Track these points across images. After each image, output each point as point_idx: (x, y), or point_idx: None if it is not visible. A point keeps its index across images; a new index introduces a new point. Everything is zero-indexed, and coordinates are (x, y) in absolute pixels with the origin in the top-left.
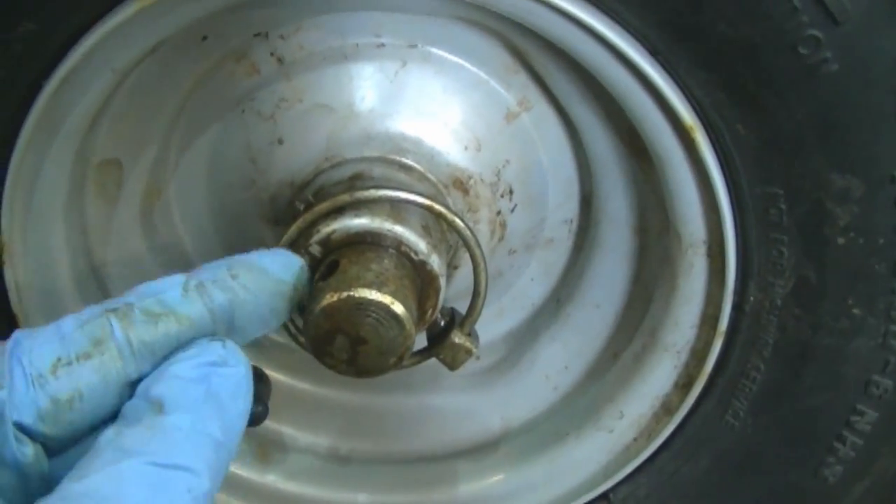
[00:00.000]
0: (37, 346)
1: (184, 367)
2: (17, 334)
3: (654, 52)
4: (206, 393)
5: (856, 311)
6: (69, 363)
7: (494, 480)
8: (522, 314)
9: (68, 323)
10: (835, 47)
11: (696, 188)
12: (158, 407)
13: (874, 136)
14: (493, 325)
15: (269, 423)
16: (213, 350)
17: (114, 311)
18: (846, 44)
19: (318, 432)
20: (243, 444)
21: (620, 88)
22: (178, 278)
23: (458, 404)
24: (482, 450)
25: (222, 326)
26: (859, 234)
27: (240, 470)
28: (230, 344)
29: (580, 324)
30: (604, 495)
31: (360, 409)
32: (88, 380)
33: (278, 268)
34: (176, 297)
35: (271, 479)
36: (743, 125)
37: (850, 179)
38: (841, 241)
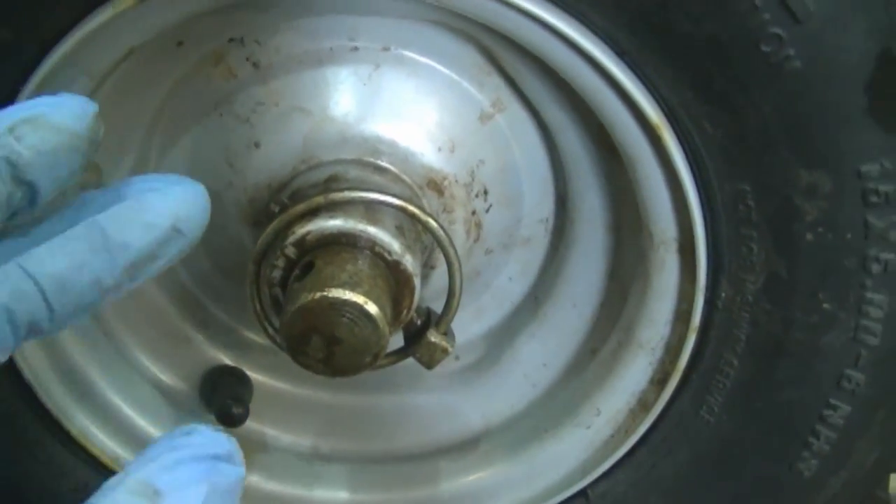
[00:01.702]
0: None
1: (187, 456)
2: None
3: (620, 53)
4: (209, 491)
5: (826, 305)
6: None
7: (475, 478)
8: (501, 313)
9: None
10: (797, 45)
11: (666, 186)
12: (156, 496)
13: (840, 132)
14: (472, 324)
15: (250, 424)
16: (219, 443)
17: None
18: (809, 41)
19: (298, 432)
20: None
21: (589, 89)
22: None
23: (438, 403)
24: (463, 448)
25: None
26: (828, 229)
27: None
28: (232, 439)
29: (558, 322)
30: (582, 492)
31: (340, 408)
32: None
33: (70, 119)
34: None
35: (254, 479)
36: (710, 123)
37: (818, 175)
38: (810, 236)
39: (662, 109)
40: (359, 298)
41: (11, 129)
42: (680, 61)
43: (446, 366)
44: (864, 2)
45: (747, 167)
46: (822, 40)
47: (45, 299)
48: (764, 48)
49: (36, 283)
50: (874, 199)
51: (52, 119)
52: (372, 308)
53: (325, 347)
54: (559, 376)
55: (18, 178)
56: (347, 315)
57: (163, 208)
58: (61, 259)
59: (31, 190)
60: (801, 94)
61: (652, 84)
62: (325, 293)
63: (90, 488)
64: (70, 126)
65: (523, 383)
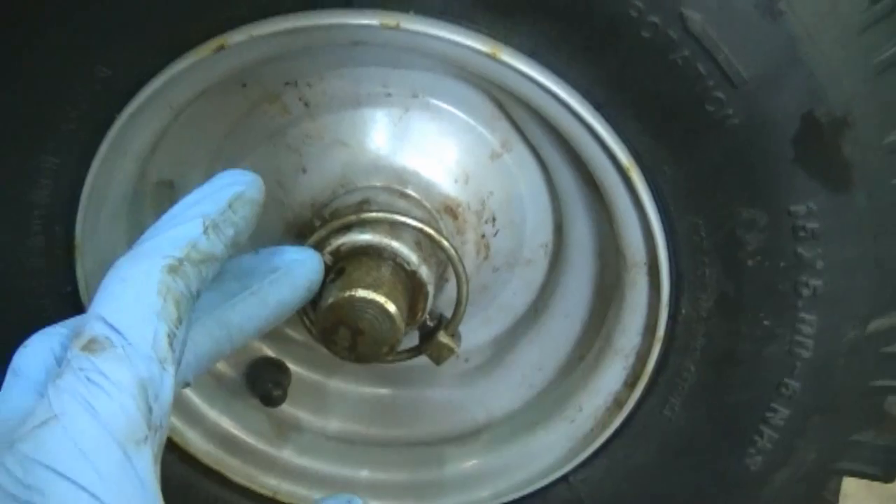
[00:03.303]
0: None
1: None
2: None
3: (597, 107)
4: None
5: (766, 322)
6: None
7: (475, 463)
8: (505, 323)
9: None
10: (735, 105)
11: (636, 217)
12: None
13: (773, 177)
14: (480, 332)
15: (287, 407)
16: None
17: (174, 271)
18: (744, 103)
19: (328, 417)
20: (264, 422)
21: (573, 135)
22: (196, 223)
23: (448, 398)
24: (467, 437)
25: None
26: (765, 258)
27: (259, 444)
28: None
29: (553, 331)
30: (564, 477)
31: (365, 398)
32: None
33: (256, 191)
34: (204, 241)
35: (286, 453)
36: (669, 166)
37: (756, 212)
38: (751, 263)
39: (631, 154)
40: (380, 298)
41: (231, 205)
42: (644, 115)
43: (457, 366)
44: (789, 72)
45: (699, 203)
46: (755, 102)
47: (231, 342)
48: (709, 107)
49: (228, 332)
50: (802, 233)
51: (248, 194)
52: (391, 307)
53: (351, 338)
54: (551, 378)
55: (235, 242)
56: (370, 312)
57: (303, 276)
58: (243, 314)
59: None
60: (740, 145)
61: (622, 133)
62: (353, 293)
63: None
64: (258, 198)
65: (521, 383)
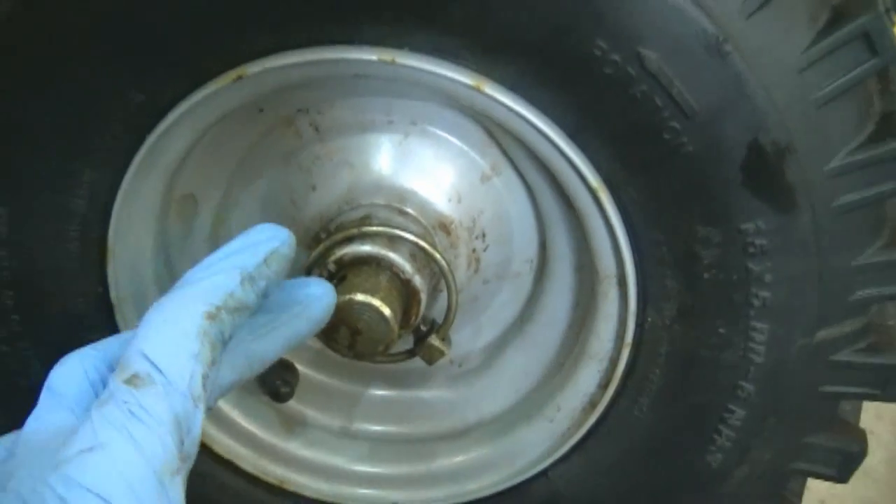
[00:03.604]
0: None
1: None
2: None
3: (571, 135)
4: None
5: (722, 330)
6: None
7: (464, 458)
8: (495, 332)
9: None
10: (688, 134)
11: (606, 234)
12: None
13: (724, 198)
14: (472, 340)
15: (294, 404)
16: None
17: (212, 318)
18: (697, 132)
19: (332, 414)
20: (273, 417)
21: (549, 160)
22: (235, 274)
23: (442, 399)
24: (457, 435)
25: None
26: (719, 271)
27: (268, 436)
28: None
29: (537, 339)
30: (544, 471)
31: (366, 398)
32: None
33: (288, 247)
34: (240, 291)
35: (293, 445)
36: (633, 189)
37: (710, 230)
38: (707, 276)
39: (601, 177)
40: (376, 302)
41: (266, 260)
42: (611, 142)
43: (450, 371)
44: (736, 105)
45: (661, 222)
46: (706, 132)
47: (251, 371)
48: (666, 136)
49: (250, 363)
50: (752, 249)
51: (282, 251)
52: (386, 310)
53: (350, 337)
54: (535, 381)
55: (266, 293)
56: (367, 314)
57: (320, 310)
58: (265, 346)
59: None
60: (694, 170)
61: (592, 158)
62: (353, 296)
63: None
64: (290, 254)
65: (508, 387)
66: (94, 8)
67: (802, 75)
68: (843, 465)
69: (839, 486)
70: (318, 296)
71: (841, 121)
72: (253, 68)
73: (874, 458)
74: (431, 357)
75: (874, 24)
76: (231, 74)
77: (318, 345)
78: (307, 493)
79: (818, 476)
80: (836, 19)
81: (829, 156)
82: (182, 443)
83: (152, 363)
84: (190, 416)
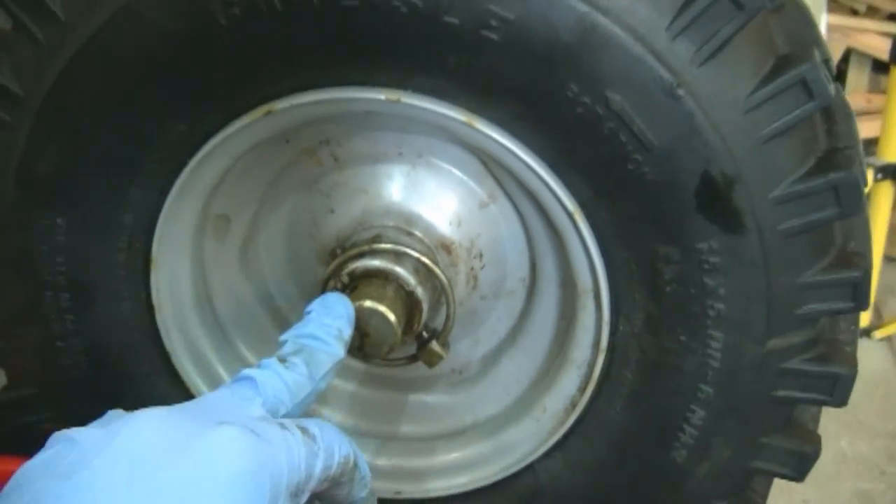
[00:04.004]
0: None
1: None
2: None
3: (551, 165)
4: None
5: (683, 338)
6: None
7: (459, 454)
8: (491, 343)
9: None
10: (649, 165)
11: (583, 253)
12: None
13: (681, 220)
14: (471, 351)
15: (312, 405)
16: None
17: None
18: (657, 163)
19: (343, 413)
20: None
21: (533, 187)
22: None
23: (443, 403)
24: (456, 434)
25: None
26: (679, 285)
27: None
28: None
29: (528, 349)
30: (530, 466)
31: (375, 400)
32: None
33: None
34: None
35: None
36: (604, 212)
37: (670, 249)
38: (668, 289)
39: (577, 202)
40: (382, 308)
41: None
42: (584, 172)
43: (451, 378)
44: (689, 140)
45: (629, 241)
46: (664, 163)
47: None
48: (630, 167)
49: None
50: (707, 266)
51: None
52: (391, 316)
53: (360, 339)
54: (525, 386)
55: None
56: (375, 319)
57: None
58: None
59: None
60: (655, 196)
61: (569, 185)
62: (362, 303)
63: None
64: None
65: (502, 392)
66: (150, 54)
67: (748, 115)
68: (799, 465)
69: None
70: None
71: (784, 155)
72: (280, 104)
73: (885, 499)
74: (431, 360)
75: (810, 73)
76: (261, 109)
77: (347, 359)
78: None
79: (777, 475)
80: (779, 67)
81: (773, 185)
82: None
83: None
84: None
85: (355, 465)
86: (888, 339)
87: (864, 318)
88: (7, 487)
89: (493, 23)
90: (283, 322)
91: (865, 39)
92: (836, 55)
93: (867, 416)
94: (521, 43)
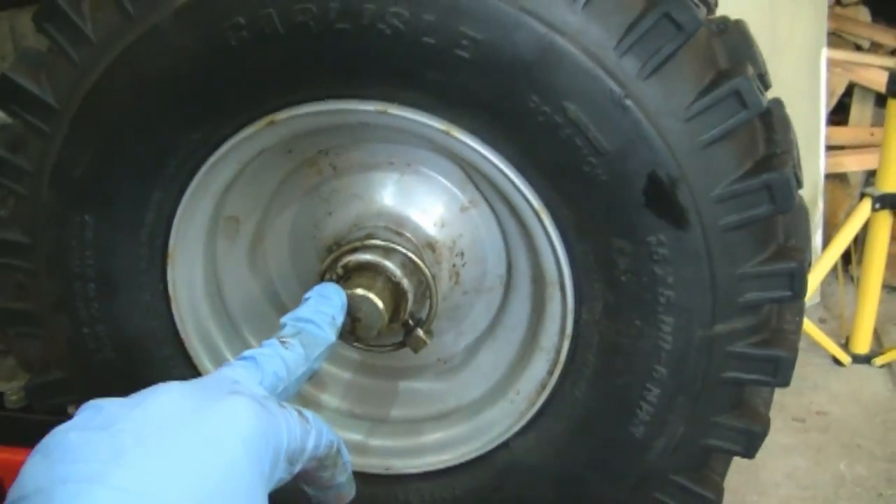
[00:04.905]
0: None
1: None
2: None
3: (518, 169)
4: None
5: (638, 322)
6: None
7: (443, 434)
8: (473, 335)
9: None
10: (602, 167)
11: (549, 248)
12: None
13: (632, 216)
14: (455, 342)
15: (310, 390)
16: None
17: None
18: (608, 165)
19: (340, 399)
20: (291, 400)
21: (505, 190)
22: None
23: (430, 389)
24: (441, 416)
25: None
26: (632, 275)
27: None
28: None
29: (504, 340)
30: (506, 443)
31: (368, 386)
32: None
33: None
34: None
35: None
36: (566, 210)
37: (623, 242)
38: (623, 279)
39: (542, 201)
40: (371, 296)
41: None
42: (547, 174)
43: (437, 367)
44: (637, 145)
45: (587, 236)
46: (615, 165)
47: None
48: (585, 168)
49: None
50: (656, 257)
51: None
52: (378, 302)
53: (351, 323)
54: (503, 373)
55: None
56: (365, 305)
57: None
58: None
59: None
60: (609, 194)
61: (535, 187)
62: (354, 291)
63: None
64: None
65: (482, 378)
66: (171, 72)
67: (689, 123)
68: (748, 443)
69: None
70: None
71: (724, 158)
72: (281, 115)
73: None
74: (417, 346)
75: (743, 85)
76: (265, 120)
77: (345, 351)
78: None
79: (729, 452)
80: (716, 80)
81: (714, 185)
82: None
83: None
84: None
85: (338, 451)
86: (888, 366)
87: (865, 346)
88: (40, 444)
89: (465, 42)
90: None
91: (868, 74)
92: (838, 89)
93: (866, 441)
94: (489, 60)
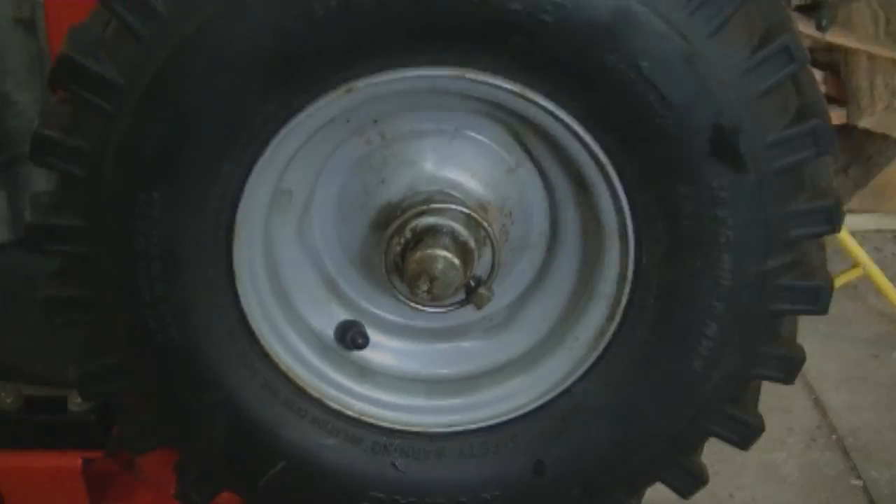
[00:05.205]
0: None
1: None
2: None
3: (588, 129)
4: None
5: (698, 263)
6: None
7: (502, 388)
8: (517, 292)
9: None
10: (672, 120)
11: (610, 199)
12: None
13: (697, 163)
14: (499, 300)
15: (368, 356)
16: None
17: None
18: (676, 117)
19: (395, 362)
20: (351, 367)
21: (571, 149)
22: None
23: (478, 346)
24: (493, 372)
25: None
26: (695, 219)
27: (347, 381)
28: None
29: (552, 292)
30: (568, 389)
31: (420, 350)
32: None
33: None
34: None
35: (366, 387)
36: (634, 162)
37: (687, 188)
38: (686, 222)
39: (607, 155)
40: (448, 254)
41: None
42: (617, 128)
43: (482, 324)
44: (701, 98)
45: (651, 185)
46: (683, 117)
47: None
48: (656, 122)
49: None
50: (719, 200)
51: None
52: (455, 260)
53: (429, 283)
54: (554, 324)
55: None
56: (440, 264)
57: None
58: None
59: None
60: (677, 145)
61: (602, 143)
62: (430, 251)
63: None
64: None
65: (530, 332)
66: (253, 44)
67: (745, 77)
68: (787, 370)
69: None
70: None
71: (774, 107)
72: (360, 83)
73: (788, 465)
74: (479, 303)
75: (791, 41)
76: (343, 88)
77: (391, 316)
78: (381, 424)
79: (770, 379)
80: (766, 38)
81: (767, 132)
82: None
83: None
84: None
85: None
86: None
87: None
88: None
89: (549, 7)
90: (333, 285)
91: None
92: None
93: None
94: (571, 23)
